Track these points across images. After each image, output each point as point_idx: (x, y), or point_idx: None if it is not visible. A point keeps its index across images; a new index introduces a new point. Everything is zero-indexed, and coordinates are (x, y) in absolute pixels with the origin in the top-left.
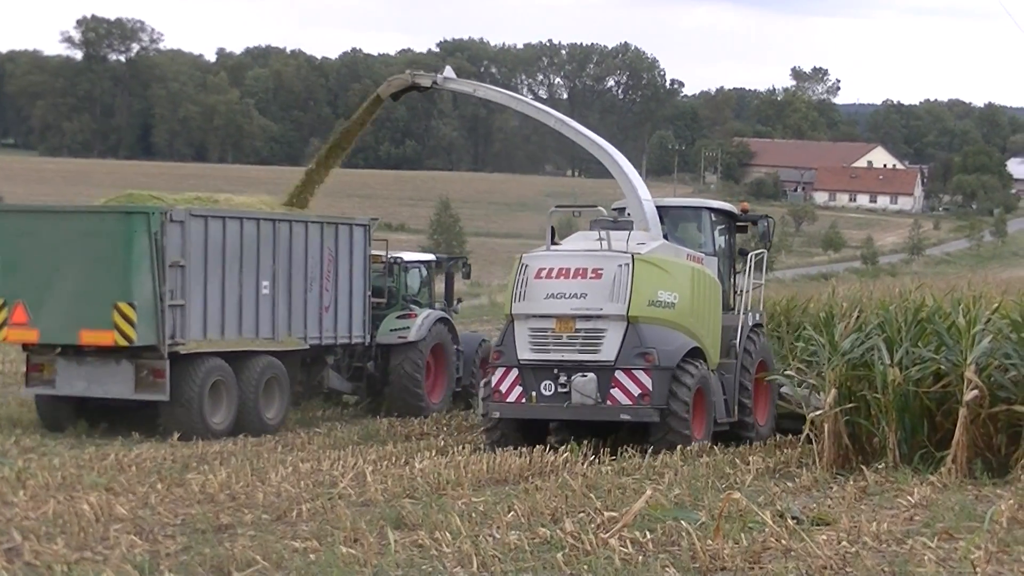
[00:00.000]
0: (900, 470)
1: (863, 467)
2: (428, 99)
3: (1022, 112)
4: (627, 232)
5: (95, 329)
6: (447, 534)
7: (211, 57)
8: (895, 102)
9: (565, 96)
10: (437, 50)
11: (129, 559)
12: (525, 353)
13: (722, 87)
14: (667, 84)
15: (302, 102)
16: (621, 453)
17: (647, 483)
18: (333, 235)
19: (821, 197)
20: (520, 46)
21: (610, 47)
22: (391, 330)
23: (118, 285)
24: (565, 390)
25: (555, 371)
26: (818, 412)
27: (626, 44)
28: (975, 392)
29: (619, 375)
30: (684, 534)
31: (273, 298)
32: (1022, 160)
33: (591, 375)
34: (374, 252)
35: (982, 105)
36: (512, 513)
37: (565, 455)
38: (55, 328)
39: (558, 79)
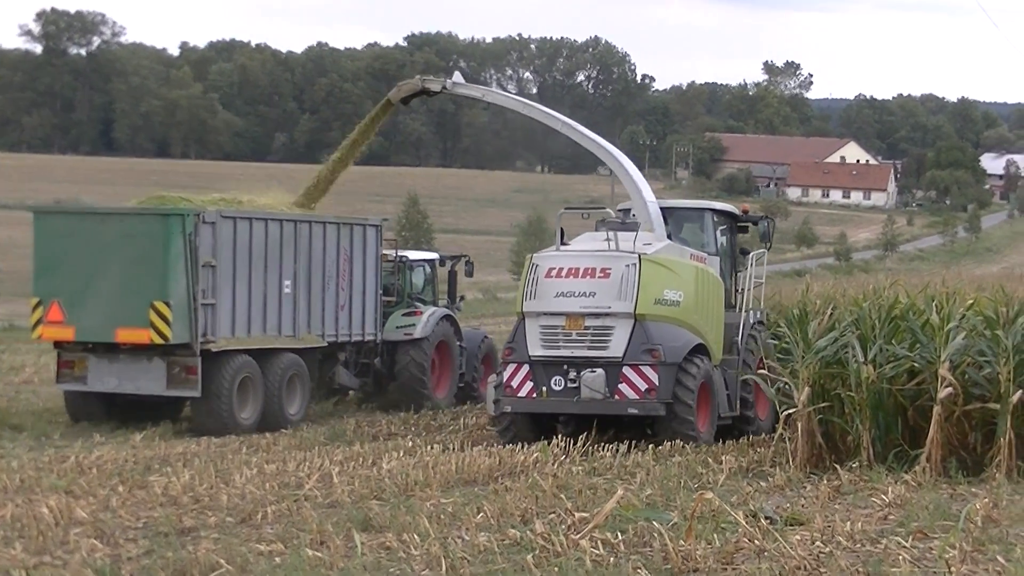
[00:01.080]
0: (874, 469)
1: (837, 466)
2: None
3: (996, 107)
4: (634, 233)
5: (131, 327)
6: (415, 536)
7: (174, 51)
8: (868, 97)
9: (535, 91)
10: (405, 44)
11: (90, 564)
12: (536, 349)
13: (694, 82)
14: (638, 79)
15: (267, 97)
16: (592, 453)
17: (619, 483)
18: (348, 235)
19: (794, 193)
20: (489, 40)
21: (580, 41)
22: (397, 327)
23: (155, 285)
24: (574, 385)
25: (565, 367)
26: (791, 410)
27: (596, 38)
28: (949, 390)
29: (627, 371)
30: (656, 535)
31: (294, 297)
32: (996, 155)
33: (599, 370)
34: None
35: (955, 100)
36: (481, 514)
37: (536, 455)
38: (91, 326)
39: (528, 73)
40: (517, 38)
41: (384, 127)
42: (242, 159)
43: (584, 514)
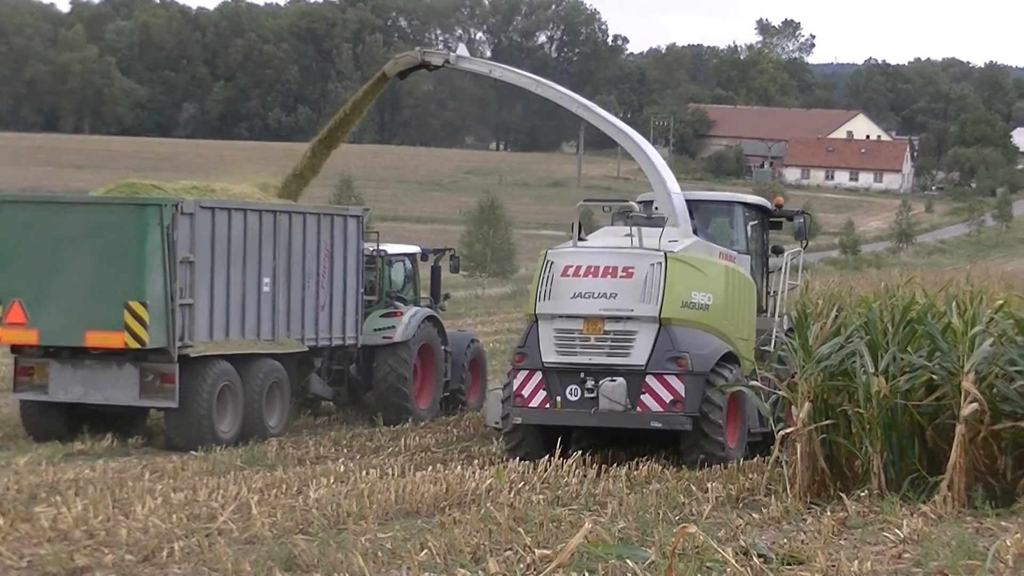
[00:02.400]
0: (886, 498)
1: (842, 495)
2: (325, 57)
3: None
4: (660, 229)
5: (103, 330)
6: None
7: (64, 6)
8: (879, 62)
9: (488, 54)
10: (336, 0)
11: None
12: (550, 355)
13: (674, 44)
14: (609, 40)
15: (174, 61)
16: (556, 479)
17: (586, 514)
18: (329, 227)
19: (792, 174)
20: None
21: None
22: (375, 329)
23: (130, 283)
24: (592, 395)
25: (582, 375)
26: (789, 430)
27: None
28: (974, 406)
29: (650, 380)
30: (630, 575)
31: (273, 296)
32: None
33: (620, 380)
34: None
35: (982, 65)
36: (425, 551)
37: (489, 481)
38: (57, 329)
39: (480, 34)
40: None
41: (306, 94)
42: (145, 134)
43: (546, 551)
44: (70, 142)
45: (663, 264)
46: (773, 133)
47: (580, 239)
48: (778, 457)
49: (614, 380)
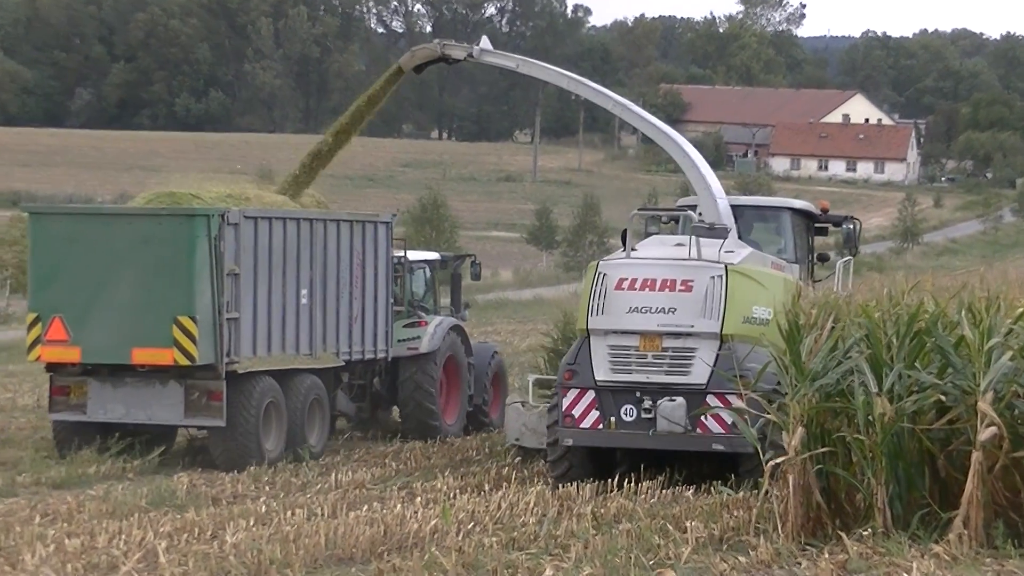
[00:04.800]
0: (892, 537)
1: (842, 534)
2: (240, 34)
3: None
4: (721, 240)
5: (150, 347)
6: None
7: None
8: (879, 34)
9: (429, 29)
10: None
11: None
12: (603, 373)
13: (643, 15)
14: (568, 12)
15: (65, 39)
16: (510, 518)
17: (546, 559)
18: (360, 235)
19: (780, 164)
20: None
21: None
22: (399, 340)
23: (179, 297)
24: (649, 416)
25: (638, 394)
26: (780, 459)
27: None
28: (992, 429)
29: (711, 401)
30: None
31: (311, 308)
32: None
33: (680, 399)
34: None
35: (997, 37)
36: None
37: (434, 522)
38: (101, 346)
39: (418, 5)
40: None
41: (218, 76)
42: (32, 123)
43: None
44: None
45: (723, 277)
46: (757, 118)
47: (631, 249)
48: (767, 491)
49: (673, 400)
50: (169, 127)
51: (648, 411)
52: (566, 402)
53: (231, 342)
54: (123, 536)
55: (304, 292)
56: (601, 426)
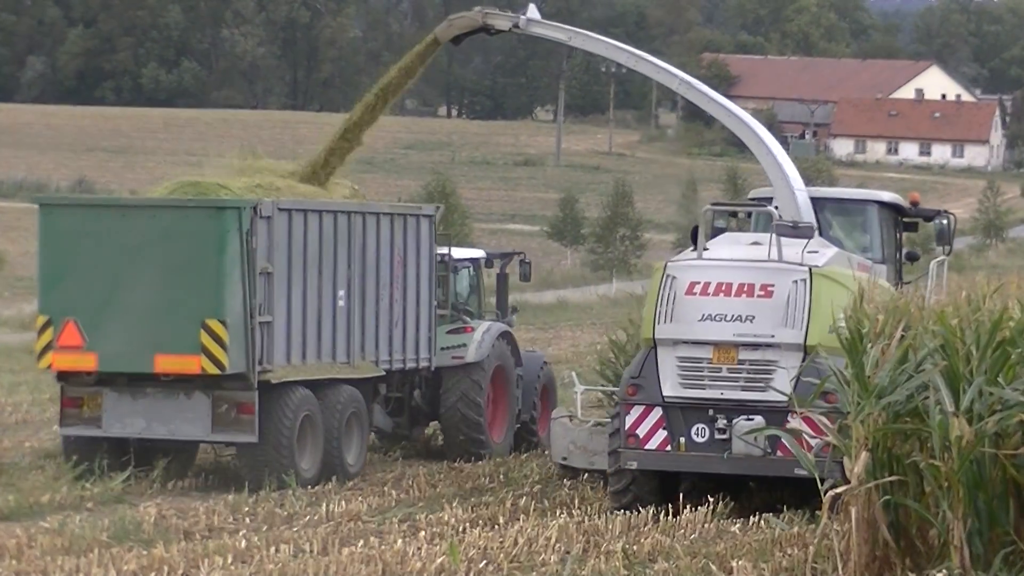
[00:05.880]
0: None
1: (913, 575)
2: None
3: None
4: (805, 240)
5: (175, 354)
6: None
7: None
8: None
9: None
10: None
11: None
12: (672, 389)
13: None
14: None
15: (14, 2)
16: (531, 555)
17: None
18: (402, 230)
19: (843, 147)
20: None
21: None
22: (442, 348)
23: (207, 298)
24: (724, 436)
25: (711, 412)
26: (842, 488)
27: None
28: None
29: (794, 420)
30: None
31: (348, 312)
32: None
33: (758, 418)
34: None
35: None
36: None
37: (440, 559)
38: (119, 353)
39: None
40: None
41: (191, 44)
42: None
43: None
44: None
45: (807, 281)
46: (817, 93)
47: (704, 249)
48: (827, 525)
49: (751, 419)
50: (135, 102)
51: (723, 431)
52: (630, 420)
53: (263, 349)
54: (81, 575)
55: (341, 293)
56: (669, 448)
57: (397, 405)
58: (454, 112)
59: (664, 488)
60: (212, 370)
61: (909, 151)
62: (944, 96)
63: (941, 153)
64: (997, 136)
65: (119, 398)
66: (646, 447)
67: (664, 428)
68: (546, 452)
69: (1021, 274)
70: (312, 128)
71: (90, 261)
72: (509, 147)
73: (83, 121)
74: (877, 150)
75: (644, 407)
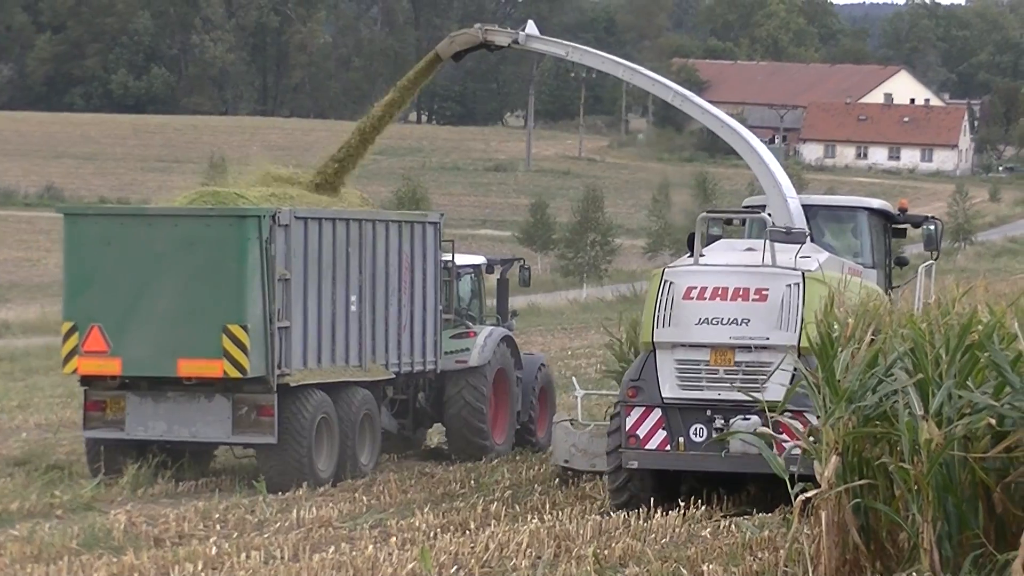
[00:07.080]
0: None
1: None
2: (187, 1)
3: None
4: (798, 246)
5: (198, 358)
6: None
7: None
8: (927, 1)
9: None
10: None
11: None
12: (670, 390)
13: None
14: None
15: None
16: (502, 560)
17: None
18: (409, 236)
19: (812, 151)
20: None
21: None
22: (447, 352)
23: (228, 304)
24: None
25: (709, 412)
26: (812, 492)
27: None
28: None
29: (789, 419)
30: None
31: (360, 316)
32: None
33: (754, 418)
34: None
35: None
36: None
37: (411, 565)
38: (143, 358)
39: None
40: None
41: (161, 50)
42: None
43: None
44: None
45: (800, 285)
46: (786, 97)
47: (701, 255)
48: (797, 529)
49: (747, 419)
50: (104, 108)
51: (720, 431)
52: (630, 421)
53: (282, 353)
54: None
55: (353, 299)
56: (668, 447)
57: (402, 407)
58: (424, 118)
59: (660, 487)
60: (234, 374)
61: (878, 155)
62: (913, 101)
63: (910, 157)
64: (966, 140)
65: (141, 402)
66: (646, 447)
67: (664, 428)
68: (546, 454)
69: (989, 278)
70: (282, 133)
71: (114, 269)
72: (480, 152)
73: (52, 127)
74: (847, 154)
75: (644, 408)
